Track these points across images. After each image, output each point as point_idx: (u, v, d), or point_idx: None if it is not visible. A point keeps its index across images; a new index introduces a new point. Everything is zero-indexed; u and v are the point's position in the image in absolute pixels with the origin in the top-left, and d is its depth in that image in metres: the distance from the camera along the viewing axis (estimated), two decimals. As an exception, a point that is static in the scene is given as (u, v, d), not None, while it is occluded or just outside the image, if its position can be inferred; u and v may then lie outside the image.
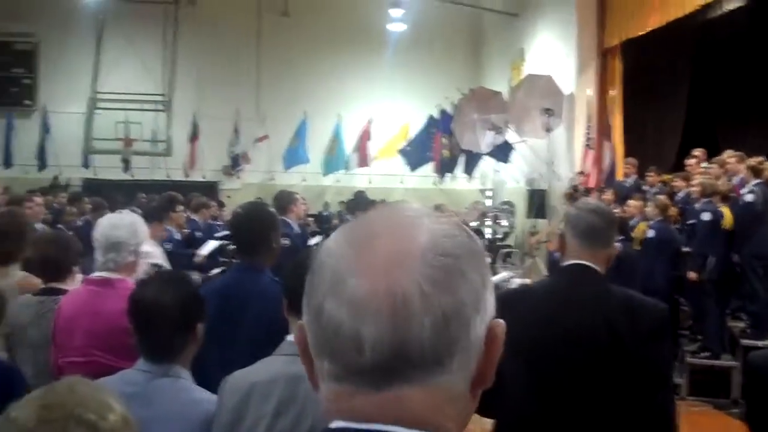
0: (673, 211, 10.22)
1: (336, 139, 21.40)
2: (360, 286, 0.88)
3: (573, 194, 13.55)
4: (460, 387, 0.92)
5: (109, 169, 19.72)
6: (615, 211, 9.92)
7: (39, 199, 8.46)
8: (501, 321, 0.96)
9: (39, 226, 7.86)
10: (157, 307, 2.66)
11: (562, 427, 2.68)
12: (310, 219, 15.10)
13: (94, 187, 17.25)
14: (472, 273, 0.92)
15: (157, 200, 8.77)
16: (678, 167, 12.64)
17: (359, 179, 21.12)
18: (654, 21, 13.20)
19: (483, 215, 17.61)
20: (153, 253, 6.03)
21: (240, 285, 3.63)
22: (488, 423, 3.01)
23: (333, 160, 21.44)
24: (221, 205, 14.52)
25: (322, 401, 0.94)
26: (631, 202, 10.60)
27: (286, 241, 6.87)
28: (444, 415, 0.91)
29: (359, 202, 12.21)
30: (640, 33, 13.66)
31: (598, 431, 2.65)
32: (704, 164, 11.27)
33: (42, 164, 20.31)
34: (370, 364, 0.87)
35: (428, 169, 20.38)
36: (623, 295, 2.76)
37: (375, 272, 0.88)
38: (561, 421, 2.68)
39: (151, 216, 6.58)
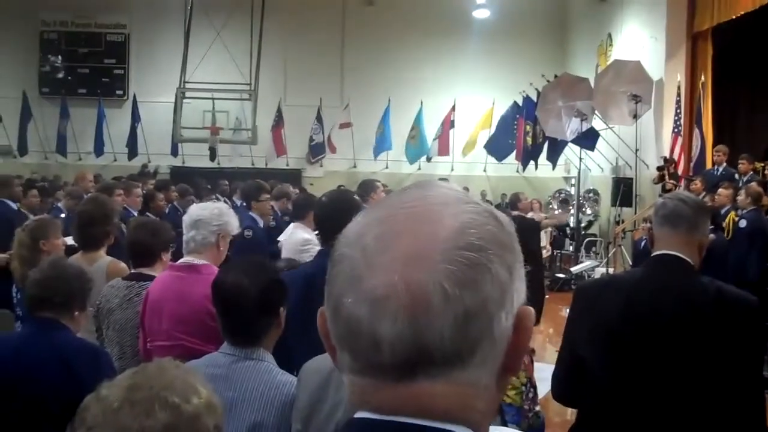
0: (766, 200, 9.88)
1: (417, 127, 21.37)
2: (378, 284, 0.85)
3: (663, 178, 13.26)
4: (484, 381, 0.88)
5: (196, 157, 20.16)
6: (705, 200, 9.66)
7: (138, 190, 8.73)
8: (530, 309, 0.92)
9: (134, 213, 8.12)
10: (239, 292, 2.71)
11: (646, 417, 2.63)
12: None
13: (181, 175, 17.64)
14: (498, 266, 0.87)
15: (244, 188, 8.91)
16: (771, 154, 12.22)
17: (442, 167, 21.06)
18: (746, 4, 12.77)
19: (566, 203, 17.36)
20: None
21: (324, 271, 3.65)
22: (570, 412, 2.98)
23: (415, 149, 21.43)
24: (296, 196, 14.61)
25: (347, 391, 0.93)
26: (722, 191, 10.27)
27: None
28: (469, 407, 0.88)
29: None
30: (732, 16, 13.23)
31: (683, 422, 2.59)
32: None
33: (132, 153, 20.89)
34: (389, 362, 0.85)
35: (511, 156, 20.18)
36: (714, 287, 2.67)
37: (394, 270, 0.85)
38: (646, 413, 2.62)
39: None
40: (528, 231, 9.11)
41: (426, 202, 0.91)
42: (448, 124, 21.30)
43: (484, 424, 0.91)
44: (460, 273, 0.84)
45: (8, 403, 3.12)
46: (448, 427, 0.86)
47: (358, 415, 0.89)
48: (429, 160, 21.45)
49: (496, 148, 20.24)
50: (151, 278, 4.05)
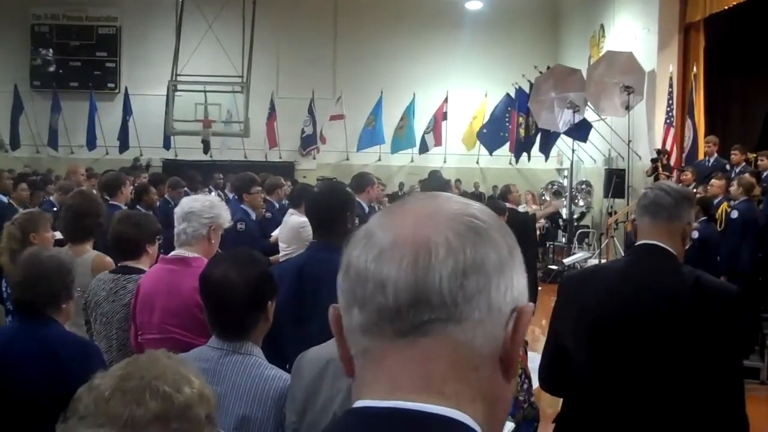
0: (758, 191, 9.90)
1: (406, 117, 21.36)
2: (387, 236, 0.92)
3: (656, 170, 13.27)
4: (481, 350, 0.91)
5: (188, 150, 20.13)
6: (696, 191, 9.69)
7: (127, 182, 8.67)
8: (531, 305, 0.96)
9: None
10: (226, 286, 2.69)
11: (628, 405, 2.66)
12: (385, 199, 15.12)
13: (174, 168, 17.62)
14: (499, 240, 0.94)
15: (235, 180, 8.89)
16: (763, 145, 12.22)
17: (434, 159, 21.06)
18: (738, -6, 12.78)
19: (559, 195, 17.39)
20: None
21: (315, 264, 3.65)
22: (559, 401, 3.00)
23: (402, 139, 21.42)
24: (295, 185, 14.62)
25: (353, 385, 0.96)
26: (714, 182, 10.27)
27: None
28: (465, 381, 0.91)
29: (433, 182, 12.14)
30: (725, 7, 13.22)
31: (664, 411, 2.61)
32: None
33: (124, 146, 20.86)
34: (393, 306, 0.89)
35: (504, 148, 20.19)
36: (693, 276, 2.70)
37: (404, 226, 0.93)
38: (627, 400, 2.66)
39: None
40: (522, 225, 9.12)
41: (436, 194, 1.00)
42: (441, 115, 21.30)
43: (491, 425, 0.93)
44: (464, 232, 0.92)
45: (-1, 397, 3.12)
46: (447, 412, 0.88)
47: (358, 404, 0.92)
48: (424, 151, 21.43)
49: (489, 140, 20.25)
50: (137, 271, 4.04)
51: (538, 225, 13.97)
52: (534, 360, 3.80)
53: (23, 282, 3.29)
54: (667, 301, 2.64)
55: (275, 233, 7.49)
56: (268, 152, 21.21)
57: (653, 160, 13.94)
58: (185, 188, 10.58)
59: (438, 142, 21.34)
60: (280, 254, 6.71)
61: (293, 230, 6.59)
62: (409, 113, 21.36)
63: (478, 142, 20.86)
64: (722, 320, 2.60)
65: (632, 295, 2.68)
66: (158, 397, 1.38)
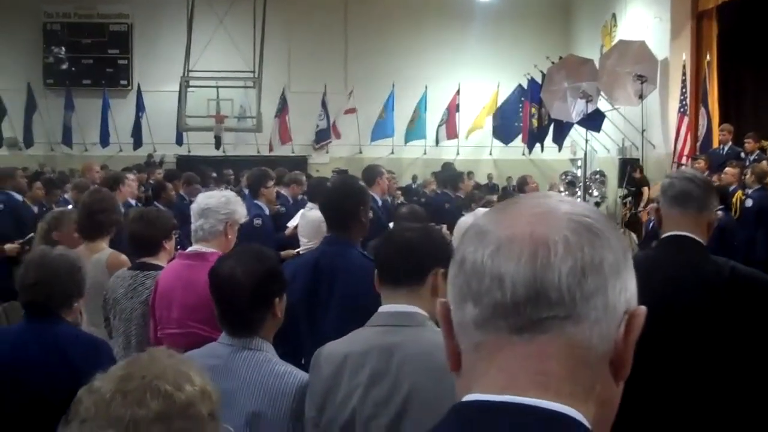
0: (772, 178, 9.83)
1: (418, 109, 21.34)
2: (504, 233, 0.92)
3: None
4: (596, 350, 0.91)
5: (201, 145, 20.17)
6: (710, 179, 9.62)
7: (132, 176, 8.67)
8: (643, 308, 0.97)
9: (133, 203, 8.09)
10: (232, 282, 2.69)
11: (661, 401, 2.63)
12: (398, 192, 15.11)
13: (187, 164, 17.65)
14: (615, 243, 0.94)
15: (249, 176, 8.90)
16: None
17: (447, 151, 21.01)
18: (751, -19, 12.69)
19: (573, 185, 17.32)
20: None
21: (330, 259, 3.66)
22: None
23: (413, 130, 21.39)
24: (311, 179, 14.62)
25: (458, 379, 0.96)
26: (729, 170, 10.21)
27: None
28: (579, 380, 0.90)
29: (447, 174, 12.12)
30: (738, -6, 13.14)
31: (698, 405, 2.59)
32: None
33: (137, 142, 20.92)
34: (510, 301, 0.89)
35: (517, 139, 20.13)
36: (728, 267, 2.67)
37: (519, 224, 0.93)
38: (663, 393, 2.62)
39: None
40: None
41: (545, 197, 1.00)
42: (454, 108, 21.26)
43: (600, 426, 0.92)
44: (581, 231, 0.92)
45: (8, 395, 3.13)
46: (563, 409, 0.88)
47: (468, 398, 0.92)
48: (437, 144, 21.42)
49: (502, 131, 20.19)
50: (155, 267, 4.07)
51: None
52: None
53: (36, 284, 3.25)
54: (706, 292, 2.61)
55: (291, 224, 7.50)
56: (280, 147, 21.21)
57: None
58: (198, 184, 10.61)
59: (451, 135, 21.30)
60: (301, 248, 6.74)
61: (314, 225, 6.60)
62: (420, 106, 21.33)
63: (481, 134, 20.79)
64: (760, 310, 2.57)
65: (669, 287, 2.64)
66: (159, 396, 1.39)
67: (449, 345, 0.97)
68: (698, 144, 13.91)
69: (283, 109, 21.12)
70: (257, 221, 7.00)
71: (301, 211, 7.40)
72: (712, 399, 2.58)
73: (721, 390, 2.57)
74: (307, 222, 6.73)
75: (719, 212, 8.53)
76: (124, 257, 4.53)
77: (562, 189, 17.21)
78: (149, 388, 1.39)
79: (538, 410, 0.87)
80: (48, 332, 3.21)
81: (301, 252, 6.47)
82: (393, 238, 2.63)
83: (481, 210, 4.48)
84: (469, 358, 0.94)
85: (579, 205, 0.97)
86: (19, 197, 8.79)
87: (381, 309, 2.50)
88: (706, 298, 2.60)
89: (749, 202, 9.35)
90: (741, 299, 2.57)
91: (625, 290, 0.94)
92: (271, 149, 20.96)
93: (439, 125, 21.50)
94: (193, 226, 3.87)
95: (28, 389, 3.11)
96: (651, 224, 10.68)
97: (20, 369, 3.13)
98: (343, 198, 3.85)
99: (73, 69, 22.15)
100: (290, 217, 7.98)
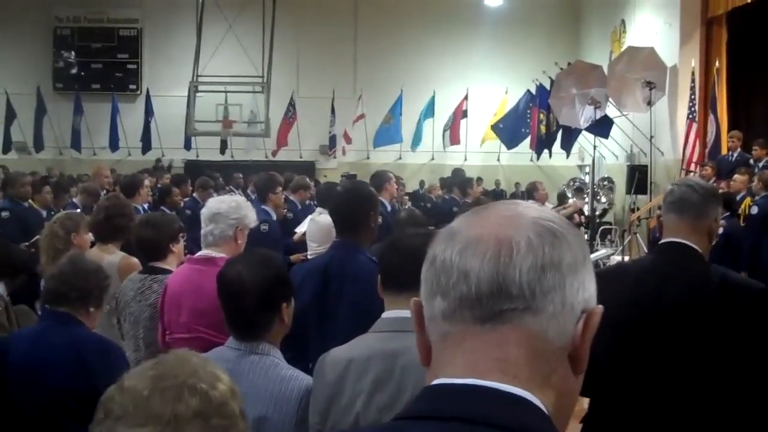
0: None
1: (423, 113, 21.34)
2: (472, 233, 1.01)
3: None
4: (553, 343, 0.99)
5: (210, 150, 20.21)
6: (718, 186, 9.60)
7: (146, 182, 8.71)
8: (601, 307, 1.04)
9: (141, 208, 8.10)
10: (238, 286, 2.70)
11: (654, 403, 2.64)
12: (406, 197, 15.12)
13: (195, 169, 17.70)
14: (574, 245, 1.02)
15: (258, 181, 8.91)
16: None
17: (455, 157, 21.01)
18: (761, -13, 12.66)
19: (581, 191, 17.29)
20: None
21: (339, 263, 3.67)
22: (585, 399, 2.98)
23: (417, 135, 21.41)
24: (318, 184, 14.64)
25: (429, 373, 1.03)
26: (737, 177, 10.18)
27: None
28: (536, 368, 0.98)
29: (457, 179, 12.13)
30: (747, 1, 13.10)
31: (691, 408, 2.59)
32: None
33: (146, 147, 20.97)
34: (475, 294, 0.97)
35: (525, 145, 20.11)
36: (718, 274, 2.67)
37: (488, 225, 1.01)
38: (653, 397, 2.63)
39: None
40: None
41: (514, 204, 1.07)
42: (460, 113, 21.25)
43: (559, 414, 0.99)
44: (544, 233, 1.00)
45: (24, 395, 3.17)
46: (520, 392, 0.95)
47: (434, 382, 1.00)
48: (441, 149, 21.42)
49: (510, 136, 20.17)
50: (163, 271, 4.09)
51: (575, 222, 13.93)
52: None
53: (60, 275, 3.38)
54: (694, 298, 2.62)
55: (299, 229, 7.50)
56: (289, 152, 21.23)
57: None
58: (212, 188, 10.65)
59: (455, 140, 21.28)
60: (309, 253, 6.73)
61: (324, 230, 6.58)
62: (427, 111, 21.33)
63: (487, 140, 20.82)
64: (749, 317, 2.58)
65: (658, 292, 2.66)
66: (197, 394, 1.40)
67: (420, 340, 1.06)
68: (707, 151, 13.88)
69: (292, 113, 21.10)
70: (264, 227, 7.00)
71: (310, 216, 7.39)
72: (699, 403, 2.59)
73: (711, 395, 2.58)
74: (318, 227, 6.73)
75: (726, 219, 8.56)
76: (135, 260, 4.55)
77: (570, 195, 17.19)
78: (186, 386, 1.40)
79: (498, 393, 0.95)
80: (64, 334, 3.28)
81: (309, 256, 6.46)
82: (397, 243, 2.63)
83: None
84: (438, 348, 1.02)
85: (546, 211, 1.05)
86: (25, 203, 8.82)
87: (384, 315, 2.51)
88: (696, 304, 2.61)
89: (754, 209, 9.31)
90: (730, 306, 2.57)
91: (583, 289, 1.01)
92: (274, 154, 20.96)
93: (444, 130, 21.50)
94: (203, 231, 3.89)
95: (46, 390, 3.16)
96: (656, 232, 10.66)
97: (38, 370, 3.19)
98: (353, 203, 3.86)
99: (82, 73, 22.25)
100: (298, 222, 7.97)
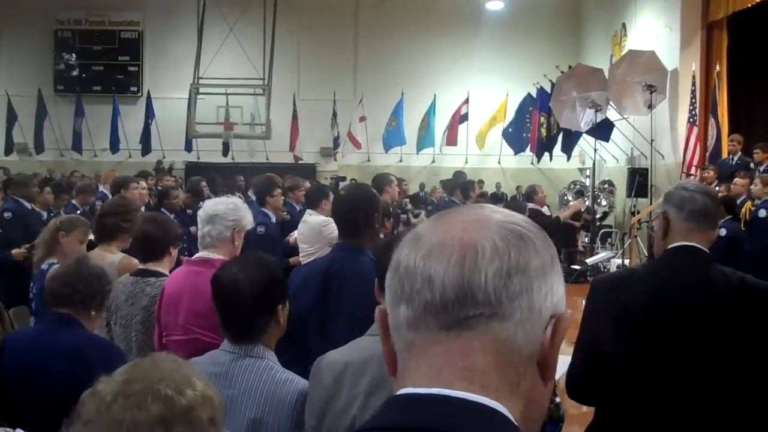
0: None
1: (427, 118, 21.34)
2: (436, 237, 0.97)
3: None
4: (521, 350, 0.95)
5: (211, 152, 20.21)
6: (719, 189, 9.60)
7: (143, 183, 8.71)
8: (569, 312, 1.00)
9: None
10: (234, 288, 2.69)
11: (669, 412, 2.61)
12: (406, 200, 15.11)
13: (196, 171, 17.69)
14: (542, 249, 0.98)
15: (257, 184, 8.90)
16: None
17: (455, 159, 21.01)
18: (762, -8, 12.66)
19: (581, 194, 17.29)
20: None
21: (341, 265, 3.65)
22: (589, 409, 2.95)
23: (423, 138, 21.40)
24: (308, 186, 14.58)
25: (395, 382, 0.99)
26: (738, 180, 10.16)
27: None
28: (504, 376, 0.94)
29: (459, 181, 12.13)
30: (748, 5, 13.10)
31: (707, 415, 2.57)
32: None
33: (146, 149, 20.99)
34: (440, 300, 0.93)
35: (525, 148, 20.13)
36: (737, 277, 2.67)
37: (452, 229, 0.97)
38: (671, 403, 2.61)
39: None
40: (548, 229, 9.10)
41: (480, 207, 1.04)
42: (458, 116, 21.25)
43: (527, 423, 0.96)
44: (510, 237, 0.96)
45: (23, 395, 3.17)
46: (486, 401, 0.91)
47: (399, 392, 0.96)
48: (439, 151, 21.42)
49: (511, 140, 20.19)
50: (156, 274, 4.08)
51: (580, 222, 13.97)
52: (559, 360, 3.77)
53: (64, 276, 3.40)
54: (716, 302, 2.60)
55: (294, 234, 7.49)
56: (290, 154, 21.22)
57: None
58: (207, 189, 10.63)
59: (451, 142, 21.26)
60: (301, 255, 6.71)
61: (315, 230, 6.58)
62: (429, 114, 21.34)
63: (489, 142, 20.78)
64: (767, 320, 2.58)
65: (680, 297, 2.64)
66: (160, 400, 1.39)
67: (386, 349, 1.02)
68: (707, 154, 13.87)
69: (293, 116, 21.11)
70: (260, 229, 7.00)
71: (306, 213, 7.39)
72: (720, 407, 2.57)
73: (731, 399, 2.56)
74: (308, 227, 6.70)
75: (727, 222, 8.53)
76: (135, 261, 4.54)
77: (569, 198, 17.19)
78: (151, 392, 1.39)
79: (464, 402, 0.91)
80: (64, 334, 3.29)
81: (301, 260, 6.43)
82: (392, 245, 2.61)
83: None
84: (403, 357, 0.98)
85: (512, 215, 1.01)
86: (28, 205, 8.85)
87: (380, 318, 2.49)
88: (719, 308, 2.59)
89: (762, 213, 9.27)
90: (751, 309, 2.57)
91: (551, 294, 0.97)
92: (296, 160, 20.96)
93: (443, 133, 21.51)
94: (200, 233, 3.89)
95: (46, 391, 3.15)
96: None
97: (39, 372, 3.20)
98: (356, 204, 3.84)
99: (83, 75, 22.29)
100: (296, 224, 7.97)
